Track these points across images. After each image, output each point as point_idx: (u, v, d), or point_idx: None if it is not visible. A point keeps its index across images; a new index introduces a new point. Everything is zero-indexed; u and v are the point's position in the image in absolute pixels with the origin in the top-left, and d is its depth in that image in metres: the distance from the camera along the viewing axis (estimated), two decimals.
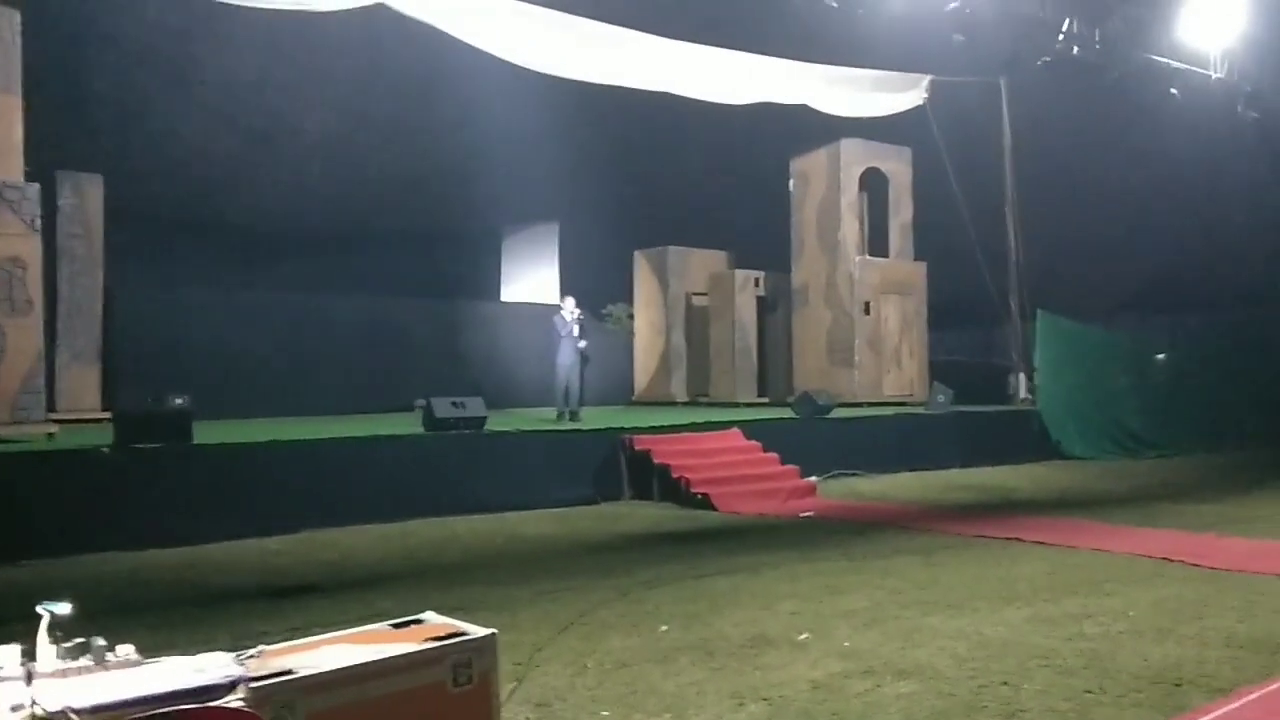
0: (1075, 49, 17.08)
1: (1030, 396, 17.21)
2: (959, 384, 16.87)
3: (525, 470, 11.41)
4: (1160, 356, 19.25)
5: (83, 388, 14.20)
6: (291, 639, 3.40)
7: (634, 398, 20.22)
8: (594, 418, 14.26)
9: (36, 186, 10.54)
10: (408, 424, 12.22)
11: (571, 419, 13.73)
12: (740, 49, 14.72)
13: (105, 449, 9.25)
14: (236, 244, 17.86)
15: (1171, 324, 19.86)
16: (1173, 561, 7.68)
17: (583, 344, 14.10)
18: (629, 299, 20.82)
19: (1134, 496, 12.07)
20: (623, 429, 12.60)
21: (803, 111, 15.66)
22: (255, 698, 2.50)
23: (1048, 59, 17.00)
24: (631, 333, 20.62)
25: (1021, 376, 17.32)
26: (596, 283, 19.67)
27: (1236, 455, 16.38)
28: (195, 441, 9.71)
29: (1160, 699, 4.50)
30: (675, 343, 19.66)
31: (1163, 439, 17.25)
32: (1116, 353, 18.25)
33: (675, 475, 11.82)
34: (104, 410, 13.80)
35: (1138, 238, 19.85)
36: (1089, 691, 4.60)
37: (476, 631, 3.05)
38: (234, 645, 3.10)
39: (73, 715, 2.30)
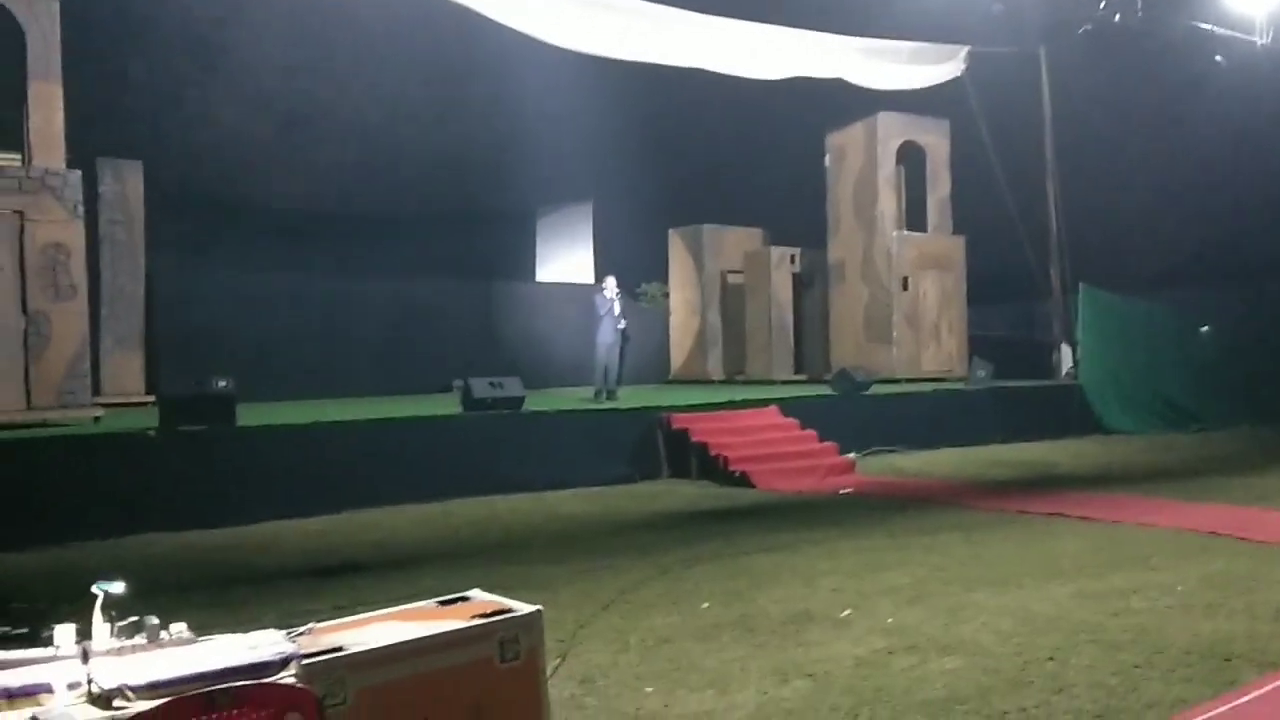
0: (1117, 16, 16.72)
1: (1073, 370, 16.99)
2: (999, 359, 16.69)
3: (564, 449, 11.45)
4: (1204, 329, 18.93)
5: (126, 372, 14.38)
6: (337, 616, 3.44)
7: (670, 376, 20.21)
8: (631, 397, 14.27)
9: (78, 173, 10.67)
10: (446, 404, 12.29)
11: (609, 398, 13.74)
12: (774, 23, 14.58)
13: (151, 432, 9.38)
14: (273, 227, 17.95)
15: (1216, 296, 19.49)
16: (1220, 535, 7.58)
17: (622, 324, 14.09)
18: (664, 278, 20.77)
19: (1179, 470, 11.91)
20: (660, 408, 12.61)
21: (838, 85, 15.48)
22: (306, 674, 2.53)
23: (1089, 27, 16.67)
24: (667, 311, 20.58)
25: (1067, 350, 17.03)
26: (631, 262, 19.60)
27: None
28: (238, 424, 9.83)
29: (1210, 674, 4.44)
30: (711, 321, 19.60)
31: (1207, 412, 16.99)
32: (1160, 325, 17.96)
33: (713, 453, 11.82)
34: (147, 394, 14.00)
35: (1182, 208, 19.48)
36: (1137, 666, 4.55)
37: (522, 608, 3.06)
38: (281, 624, 3.14)
39: (129, 692, 2.33)
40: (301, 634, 2.80)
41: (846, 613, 5.59)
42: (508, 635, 2.95)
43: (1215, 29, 17.61)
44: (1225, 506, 9.00)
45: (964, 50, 16.58)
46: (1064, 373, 17.35)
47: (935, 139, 18.07)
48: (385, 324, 17.72)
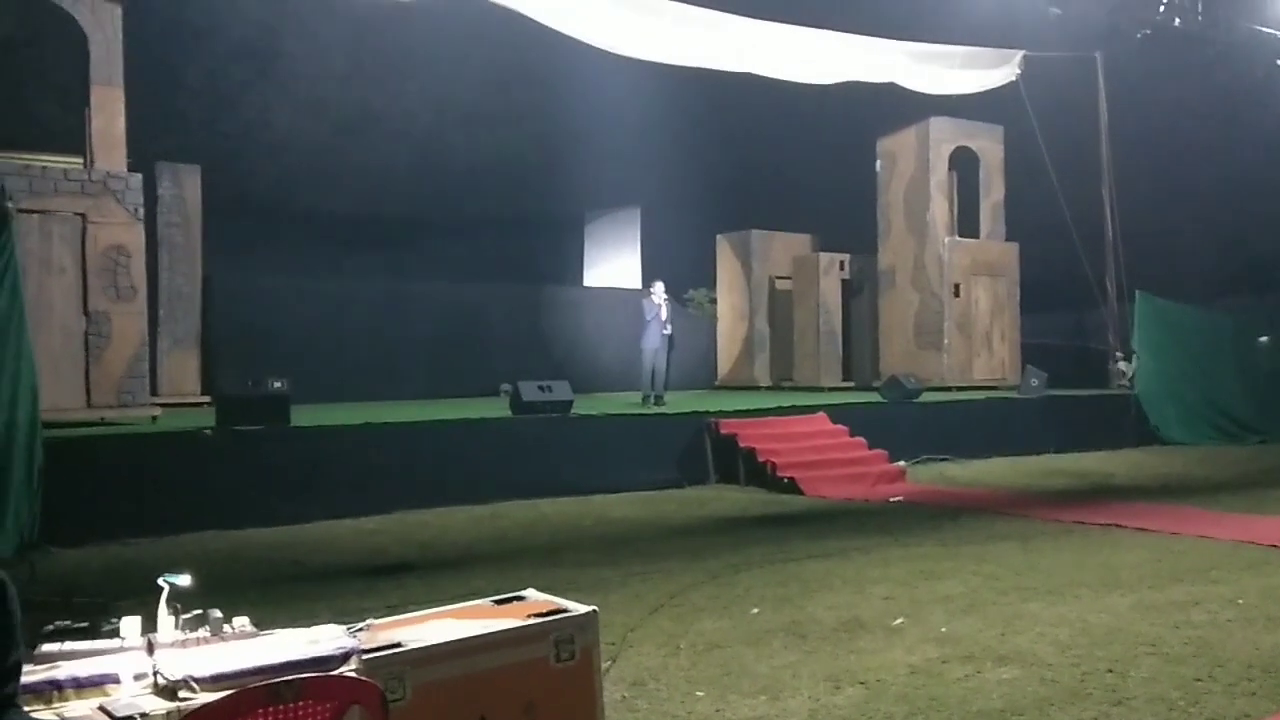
0: (1176, 20, 16.47)
1: (1129, 380, 16.69)
2: (1052, 367, 16.44)
3: (612, 453, 11.45)
4: (1263, 339, 18.52)
5: (183, 373, 14.63)
6: (390, 614, 3.45)
7: (717, 382, 20.16)
8: (678, 402, 14.24)
9: (139, 177, 10.86)
10: (495, 407, 12.35)
11: (656, 403, 13.73)
12: (827, 27, 14.50)
13: (207, 431, 9.52)
14: (327, 231, 18.22)
15: (1276, 305, 19.08)
16: None
17: (668, 330, 14.07)
18: (711, 283, 20.73)
19: (1238, 483, 11.66)
20: (708, 413, 12.57)
21: (890, 90, 15.37)
22: (367, 669, 2.55)
23: (1147, 31, 16.42)
24: (714, 317, 20.54)
25: (1134, 358, 16.61)
26: (679, 267, 19.60)
27: None
28: (293, 424, 9.95)
29: (1275, 688, 4.35)
30: (759, 327, 19.52)
31: (1266, 424, 16.60)
32: (1218, 335, 17.59)
33: (762, 459, 11.76)
34: (204, 394, 14.23)
35: (1241, 215, 19.11)
36: (1199, 680, 4.46)
37: (578, 608, 3.06)
38: (336, 621, 3.16)
39: (194, 684, 2.36)
40: (361, 630, 2.82)
41: (899, 621, 5.54)
42: (563, 635, 2.95)
43: (1277, 33, 17.27)
44: None
45: (1019, 55, 16.37)
46: (1122, 383, 17.00)
47: (989, 144, 17.88)
48: (436, 327, 17.85)
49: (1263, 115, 17.64)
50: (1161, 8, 16.31)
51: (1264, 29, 17.13)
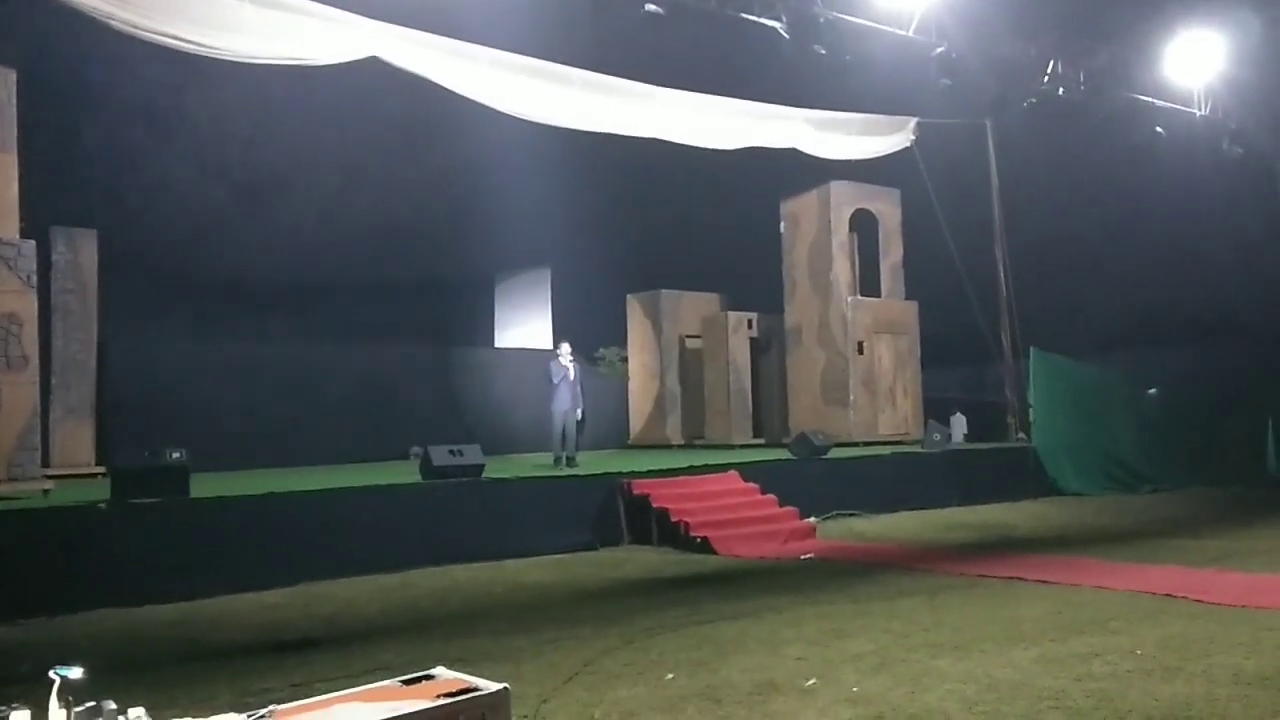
0: (1060, 90, 17.31)
1: (1024, 434, 17.21)
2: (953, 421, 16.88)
3: (524, 517, 11.36)
4: (1151, 391, 19.29)
5: (77, 443, 14.14)
6: (294, 695, 3.37)
7: (629, 441, 20.20)
8: (591, 463, 14.22)
9: (32, 243, 10.56)
10: (405, 473, 12.17)
11: (569, 464, 13.69)
12: (730, 95, 14.88)
13: (102, 505, 9.20)
14: (230, 296, 17.87)
15: (1163, 358, 19.93)
16: (1176, 598, 7.66)
17: (580, 407, 14.03)
18: (622, 342, 20.87)
19: (1133, 532, 12.05)
20: (620, 474, 12.58)
21: (792, 155, 15.80)
22: None
23: (1033, 100, 17.22)
24: (624, 376, 20.64)
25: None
26: (590, 327, 19.71)
27: (1233, 488, 16.38)
28: (192, 495, 9.67)
29: None
30: (669, 386, 19.68)
31: (1158, 473, 17.26)
32: (1109, 387, 18.29)
33: (674, 519, 11.78)
34: (98, 465, 13.76)
35: (1127, 273, 19.99)
36: None
37: (488, 686, 3.03)
38: (237, 703, 3.08)
39: None
40: (263, 716, 2.75)
41: (811, 682, 5.57)
42: (473, 715, 2.91)
43: (1155, 101, 18.25)
44: (1180, 568, 9.11)
45: (913, 121, 17.01)
46: (1016, 435, 17.53)
47: (886, 207, 18.43)
48: (343, 391, 17.59)
49: (1143, 178, 18.54)
50: (1046, 78, 17.14)
51: (1142, 97, 18.08)
